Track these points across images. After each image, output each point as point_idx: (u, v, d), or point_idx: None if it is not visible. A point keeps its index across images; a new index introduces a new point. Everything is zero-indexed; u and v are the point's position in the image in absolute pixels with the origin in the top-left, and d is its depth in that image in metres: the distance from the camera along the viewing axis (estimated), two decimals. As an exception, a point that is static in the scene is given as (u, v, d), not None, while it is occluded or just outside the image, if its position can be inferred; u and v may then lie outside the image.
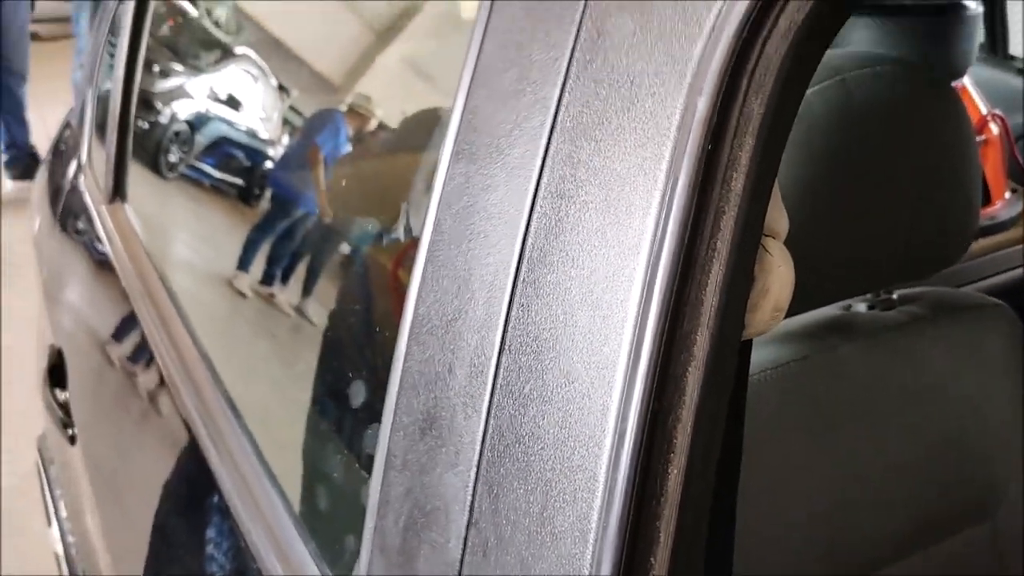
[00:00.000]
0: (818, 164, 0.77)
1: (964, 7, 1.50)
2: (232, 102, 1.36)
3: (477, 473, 0.49)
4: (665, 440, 0.41)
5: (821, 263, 0.79)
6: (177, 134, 1.39)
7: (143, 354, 1.17)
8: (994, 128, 1.56)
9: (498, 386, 0.48)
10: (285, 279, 1.09)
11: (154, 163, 1.39)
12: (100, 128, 1.42)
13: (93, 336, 1.31)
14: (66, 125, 1.82)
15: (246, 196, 1.25)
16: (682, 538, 0.41)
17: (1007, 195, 1.59)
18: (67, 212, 1.48)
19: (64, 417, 1.32)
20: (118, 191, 1.32)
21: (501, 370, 0.47)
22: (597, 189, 0.43)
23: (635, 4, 0.44)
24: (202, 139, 1.37)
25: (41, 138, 4.36)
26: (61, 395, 1.35)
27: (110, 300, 1.30)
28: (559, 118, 0.47)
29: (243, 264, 1.17)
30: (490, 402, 0.48)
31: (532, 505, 0.45)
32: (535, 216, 0.47)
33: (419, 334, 0.54)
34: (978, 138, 1.55)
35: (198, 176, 1.34)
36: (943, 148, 0.85)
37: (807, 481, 0.87)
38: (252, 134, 1.31)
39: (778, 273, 0.49)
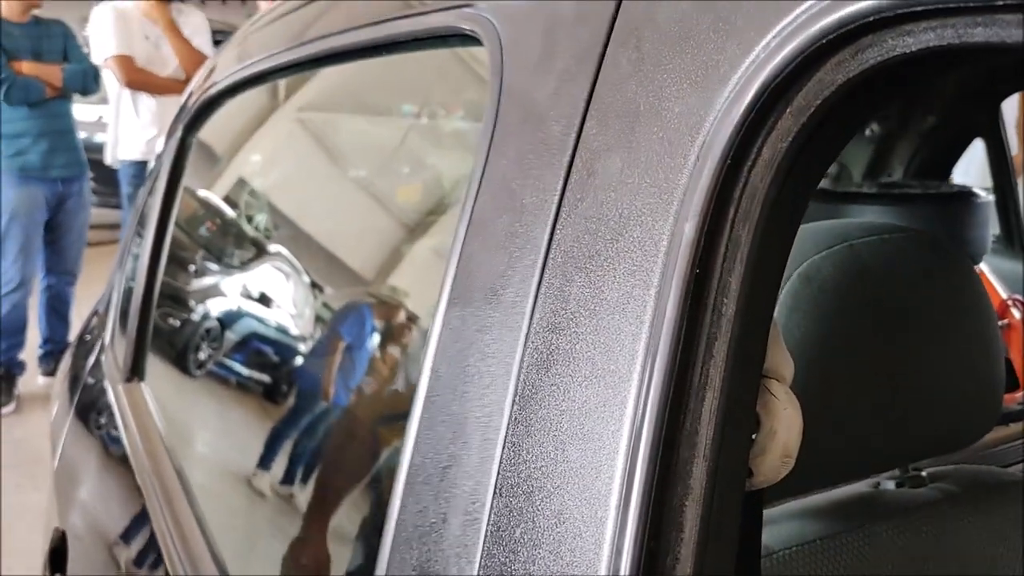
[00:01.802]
0: (830, 327, 0.76)
1: (975, 195, 1.53)
2: (264, 299, 1.39)
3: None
4: (662, 581, 0.38)
5: (839, 433, 0.77)
6: (208, 331, 1.42)
7: (150, 546, 1.14)
8: (1016, 313, 1.55)
9: (490, 533, 0.45)
10: (306, 478, 1.07)
11: (182, 361, 1.40)
12: (123, 313, 1.46)
13: (97, 521, 1.28)
14: (93, 313, 1.87)
15: (272, 393, 1.26)
16: None
17: (1038, 381, 1.56)
18: (85, 395, 1.50)
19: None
20: (136, 370, 1.33)
21: (493, 515, 0.45)
22: (588, 319, 0.43)
23: (622, 143, 0.45)
24: (233, 336, 1.40)
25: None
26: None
27: (118, 485, 1.28)
28: (550, 256, 0.47)
29: (264, 462, 1.16)
30: (482, 552, 0.45)
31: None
32: (528, 352, 0.46)
33: (413, 484, 0.52)
34: (1000, 322, 1.53)
35: (225, 373, 1.35)
36: (960, 318, 0.84)
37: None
38: (282, 330, 1.33)
39: (784, 415, 0.47)
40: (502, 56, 0.58)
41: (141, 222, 1.46)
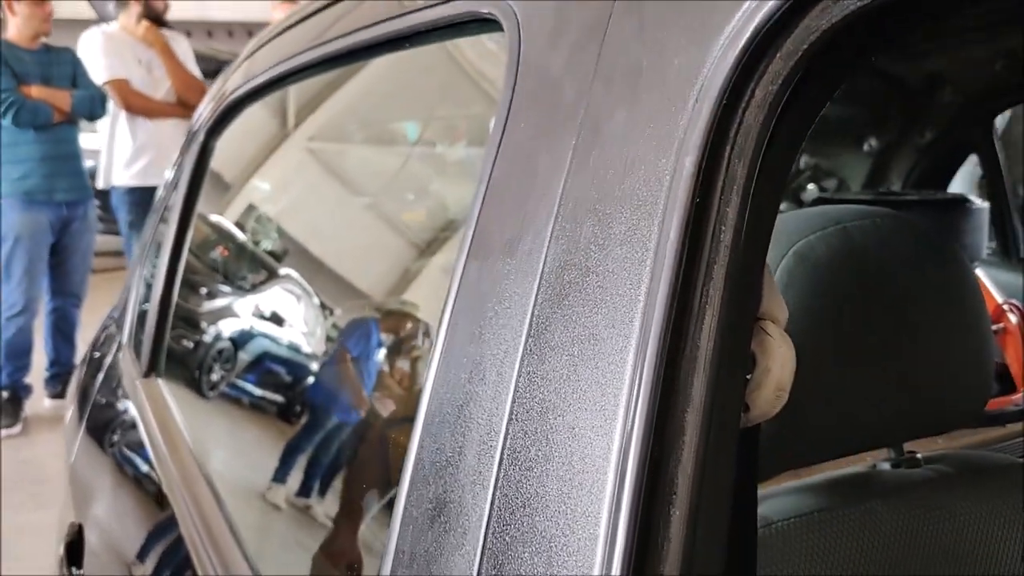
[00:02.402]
0: (822, 303, 0.80)
1: (969, 201, 1.57)
2: (275, 319, 1.43)
3: (483, 548, 0.48)
4: (667, 485, 0.41)
5: (830, 407, 0.80)
6: (220, 352, 1.45)
7: (169, 532, 1.16)
8: (1012, 317, 1.58)
9: (505, 457, 0.48)
10: (323, 491, 1.10)
11: (196, 383, 1.43)
12: (141, 313, 1.49)
13: (115, 512, 1.31)
14: (104, 327, 1.90)
15: (285, 410, 1.29)
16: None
17: (1035, 384, 1.58)
18: (103, 390, 1.53)
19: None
20: (154, 367, 1.36)
21: (508, 440, 0.48)
22: (597, 253, 0.47)
23: (627, 99, 0.49)
24: (245, 356, 1.43)
25: (85, 360, 4.50)
26: (76, 572, 1.33)
27: (136, 479, 1.31)
28: (562, 206, 0.51)
29: (279, 476, 1.18)
30: (497, 475, 0.49)
31: (536, 566, 0.44)
32: (541, 291, 0.50)
33: (431, 426, 0.56)
34: (996, 326, 1.57)
35: (237, 394, 1.38)
36: (948, 300, 0.87)
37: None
38: (294, 349, 1.37)
39: (779, 353, 0.51)
40: (520, 34, 0.62)
41: (164, 215, 1.51)
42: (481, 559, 0.48)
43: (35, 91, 4.03)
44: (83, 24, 4.71)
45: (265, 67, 1.25)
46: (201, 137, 1.44)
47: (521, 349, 0.49)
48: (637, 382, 0.42)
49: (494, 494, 0.49)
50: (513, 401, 0.49)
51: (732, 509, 0.45)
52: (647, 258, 0.44)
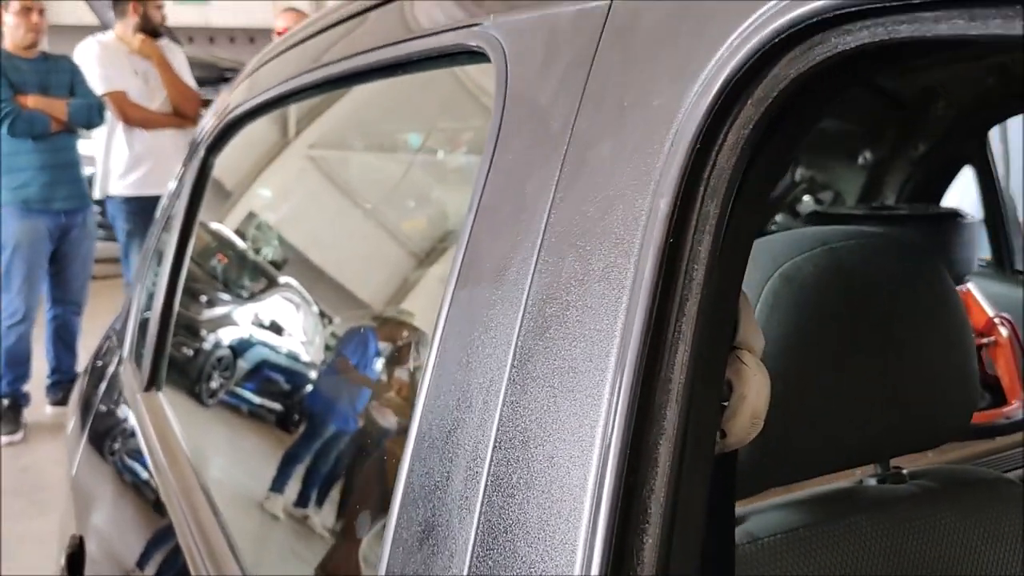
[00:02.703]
0: (809, 324, 0.81)
1: (961, 215, 1.59)
2: (274, 328, 1.45)
3: (468, 573, 0.50)
4: (640, 511, 0.43)
5: (816, 425, 0.81)
6: (220, 360, 1.47)
7: (168, 540, 1.18)
8: (1003, 331, 1.60)
9: (489, 483, 0.50)
10: (320, 501, 1.11)
11: (196, 392, 1.45)
12: (142, 326, 1.51)
13: (116, 522, 1.33)
14: (107, 337, 1.92)
15: (284, 419, 1.31)
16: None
17: (1024, 397, 1.60)
18: (104, 402, 1.55)
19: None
20: (154, 380, 1.39)
21: (492, 467, 0.50)
22: (577, 288, 0.48)
23: (610, 133, 0.51)
24: (244, 364, 1.45)
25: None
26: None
27: (137, 489, 1.33)
28: (546, 236, 0.53)
29: (277, 486, 1.20)
30: (482, 500, 0.51)
31: (518, 589, 0.46)
32: (525, 321, 0.51)
33: (420, 450, 0.58)
34: (987, 339, 1.58)
35: (237, 402, 1.40)
36: (933, 317, 0.89)
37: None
38: (292, 357, 1.39)
39: (754, 381, 0.53)
40: (507, 66, 0.64)
41: (166, 227, 1.53)
42: (466, 581, 0.50)
43: (31, 101, 4.04)
44: (86, 31, 4.72)
45: (266, 87, 1.28)
46: (202, 152, 1.46)
47: (506, 378, 0.51)
48: (612, 413, 0.44)
49: (479, 519, 0.50)
50: (498, 429, 0.51)
51: (709, 531, 0.47)
52: (623, 295, 0.45)
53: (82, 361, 4.58)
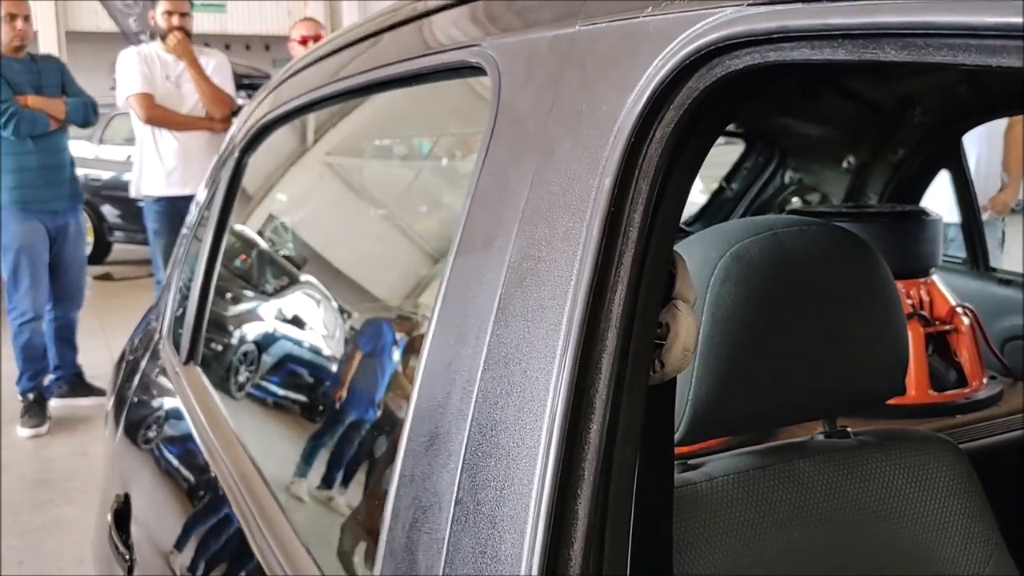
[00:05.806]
0: (756, 297, 0.97)
1: (925, 213, 1.74)
2: (297, 323, 1.61)
3: (462, 465, 0.66)
4: (587, 407, 0.59)
5: (762, 383, 0.96)
6: (245, 355, 1.62)
7: (213, 499, 1.34)
8: (965, 319, 1.74)
9: (479, 397, 0.66)
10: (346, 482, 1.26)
11: (224, 383, 1.60)
12: (180, 307, 1.69)
13: (161, 483, 1.49)
14: (146, 323, 2.09)
15: (307, 409, 1.46)
16: (603, 483, 0.58)
17: (985, 380, 1.74)
18: (144, 378, 1.72)
19: (127, 557, 1.47)
20: (192, 355, 1.55)
21: (481, 383, 0.66)
22: (546, 248, 0.64)
23: (571, 133, 0.66)
24: (268, 359, 1.60)
25: (107, 364, 4.66)
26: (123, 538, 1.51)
27: (180, 452, 1.49)
28: (525, 211, 0.68)
29: (301, 471, 1.35)
30: (473, 410, 0.67)
31: (498, 471, 0.62)
32: (507, 276, 0.67)
33: (427, 379, 0.74)
34: (948, 327, 1.73)
35: (263, 394, 1.55)
36: (866, 293, 1.04)
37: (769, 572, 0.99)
38: (314, 351, 1.54)
39: (685, 323, 0.68)
40: (500, 80, 0.80)
41: (202, 224, 1.70)
42: (461, 473, 0.66)
43: (31, 100, 4.11)
44: (102, 36, 4.85)
45: (289, 97, 1.44)
46: (237, 154, 1.63)
47: (492, 318, 0.67)
48: (568, 335, 0.60)
49: (471, 424, 0.66)
50: (486, 355, 0.67)
51: (646, 431, 0.62)
52: (578, 251, 0.61)
53: (81, 355, 4.67)
